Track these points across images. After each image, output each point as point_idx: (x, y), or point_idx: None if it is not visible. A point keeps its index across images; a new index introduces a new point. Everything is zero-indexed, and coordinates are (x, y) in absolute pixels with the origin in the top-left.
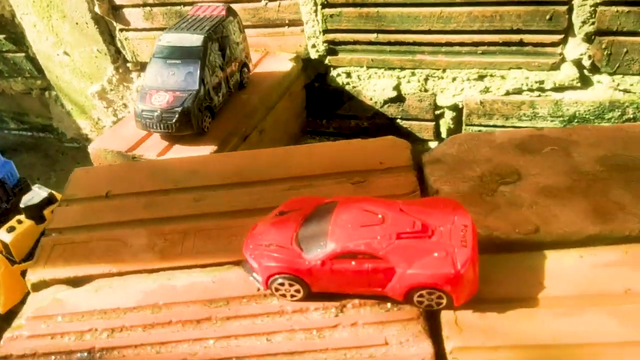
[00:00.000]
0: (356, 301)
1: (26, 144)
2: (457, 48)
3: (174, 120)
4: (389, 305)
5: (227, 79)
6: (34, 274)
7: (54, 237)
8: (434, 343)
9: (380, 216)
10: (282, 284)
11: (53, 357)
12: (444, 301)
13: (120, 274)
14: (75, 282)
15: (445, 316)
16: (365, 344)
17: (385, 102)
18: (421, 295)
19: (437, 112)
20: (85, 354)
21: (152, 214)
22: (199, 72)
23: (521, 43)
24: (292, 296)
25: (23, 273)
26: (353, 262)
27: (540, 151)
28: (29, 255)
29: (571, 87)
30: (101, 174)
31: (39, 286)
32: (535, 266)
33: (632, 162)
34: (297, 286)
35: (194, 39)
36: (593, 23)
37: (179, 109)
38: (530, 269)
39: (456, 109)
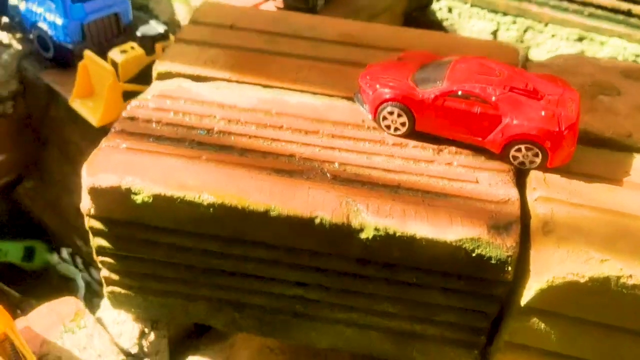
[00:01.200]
0: (453, 148)
1: None
2: (565, 4)
3: None
4: (483, 158)
5: None
6: (162, 65)
7: (182, 45)
8: (521, 194)
9: (497, 71)
10: (390, 113)
11: (176, 128)
12: (538, 160)
13: (238, 82)
14: (198, 79)
15: (534, 174)
16: (458, 178)
17: None
18: (518, 150)
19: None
20: (205, 132)
21: (273, 48)
22: None
23: (629, 13)
24: (396, 129)
25: (124, 95)
26: (464, 104)
27: None
28: (132, 79)
29: None
30: (227, 9)
31: (164, 76)
32: (624, 160)
33: None
34: (404, 118)
35: None
36: None
37: None
38: (619, 161)
39: None
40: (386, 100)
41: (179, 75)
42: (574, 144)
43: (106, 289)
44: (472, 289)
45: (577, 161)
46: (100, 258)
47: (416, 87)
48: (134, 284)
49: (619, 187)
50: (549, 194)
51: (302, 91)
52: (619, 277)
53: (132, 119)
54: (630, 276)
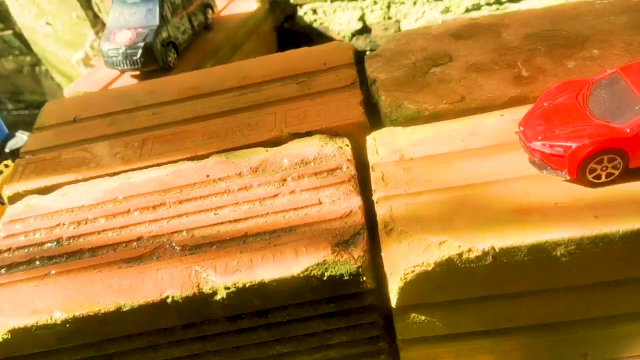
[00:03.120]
0: (296, 174)
1: (25, 122)
2: None
3: (138, 56)
4: (325, 173)
5: (190, 18)
6: (9, 189)
7: (27, 158)
8: (364, 199)
9: None
10: (600, 162)
11: (26, 249)
12: None
13: (85, 180)
14: (46, 191)
15: (374, 176)
16: (302, 205)
17: (353, 34)
18: None
19: None
20: (55, 243)
21: (115, 130)
22: (158, 8)
23: None
24: (608, 175)
25: None
26: None
27: (472, 36)
28: None
29: None
30: (70, 103)
31: (14, 198)
32: (459, 128)
33: (557, 34)
34: (617, 161)
35: None
36: None
37: (141, 44)
38: (454, 131)
39: None
40: (593, 152)
41: (27, 193)
42: None
43: None
44: (344, 307)
45: (413, 145)
46: None
47: (611, 124)
48: None
49: (455, 159)
50: (388, 192)
51: (147, 167)
52: (460, 255)
53: None
54: (470, 250)
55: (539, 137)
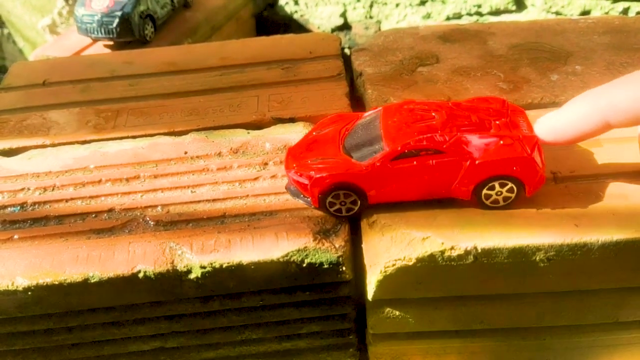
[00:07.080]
0: (277, 159)
1: None
2: None
3: (114, 25)
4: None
5: None
6: None
7: None
8: None
9: (433, 114)
10: (337, 196)
11: None
12: (514, 192)
13: (53, 145)
14: (10, 154)
15: None
16: (283, 190)
17: (333, 30)
18: (491, 188)
19: None
20: (18, 208)
21: (88, 97)
22: None
23: None
24: (348, 210)
25: None
26: (415, 162)
27: (459, 41)
28: None
29: (507, 11)
30: (40, 66)
31: None
32: None
33: (541, 47)
34: (353, 197)
35: None
36: None
37: (119, 13)
38: None
39: None
40: (328, 186)
41: None
42: (543, 167)
43: None
44: (319, 296)
45: None
46: None
47: (353, 160)
48: None
49: None
50: None
51: (121, 138)
52: (442, 252)
53: None
54: (452, 248)
55: (294, 166)
